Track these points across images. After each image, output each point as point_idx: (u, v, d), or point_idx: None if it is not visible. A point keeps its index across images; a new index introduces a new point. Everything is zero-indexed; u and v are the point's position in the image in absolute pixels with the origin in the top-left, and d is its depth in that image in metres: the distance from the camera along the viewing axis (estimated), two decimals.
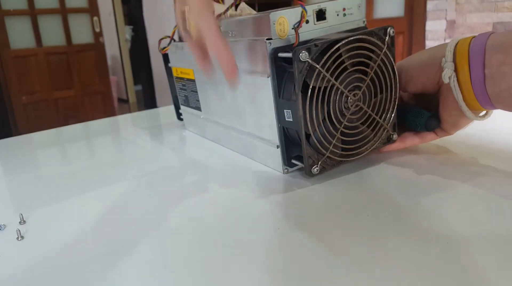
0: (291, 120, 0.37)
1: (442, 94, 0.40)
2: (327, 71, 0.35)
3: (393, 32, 0.38)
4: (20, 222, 0.35)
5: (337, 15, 0.39)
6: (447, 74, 0.37)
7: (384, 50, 0.38)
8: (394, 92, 0.40)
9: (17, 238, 0.32)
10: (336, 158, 0.38)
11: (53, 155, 0.59)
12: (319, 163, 0.37)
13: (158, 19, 4.73)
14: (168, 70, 0.61)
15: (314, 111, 0.35)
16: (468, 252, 0.26)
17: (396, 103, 0.41)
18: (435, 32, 2.34)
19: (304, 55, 0.33)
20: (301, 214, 0.33)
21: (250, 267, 0.26)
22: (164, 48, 0.57)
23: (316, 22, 0.38)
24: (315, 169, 0.37)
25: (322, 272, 0.25)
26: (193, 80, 0.54)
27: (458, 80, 0.37)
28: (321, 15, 0.38)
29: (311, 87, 0.34)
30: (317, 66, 0.34)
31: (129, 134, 0.69)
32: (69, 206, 0.38)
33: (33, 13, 3.27)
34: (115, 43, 5.63)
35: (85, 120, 0.80)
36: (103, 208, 0.37)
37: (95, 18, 3.62)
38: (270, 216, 0.33)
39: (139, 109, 5.25)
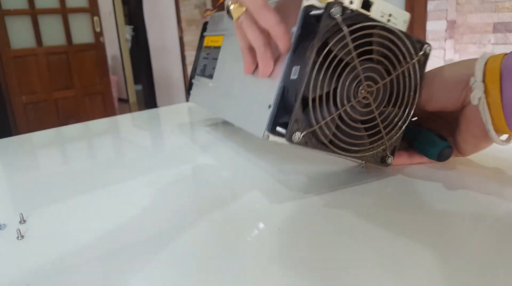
0: (296, 77, 0.34)
1: (465, 114, 0.37)
2: (352, 42, 0.33)
3: (429, 50, 0.37)
4: (20, 222, 0.35)
5: (382, 16, 0.37)
6: (477, 95, 0.34)
7: (414, 61, 0.36)
8: (408, 111, 0.38)
9: (17, 238, 0.32)
10: (323, 139, 0.35)
11: (53, 155, 0.59)
12: (303, 133, 0.34)
13: (159, 19, 4.73)
14: (200, 42, 0.62)
15: (321, 75, 0.33)
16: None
17: (405, 125, 0.38)
18: (436, 32, 2.34)
19: (336, 11, 0.32)
20: (305, 219, 0.33)
21: (254, 269, 0.26)
22: (207, 13, 0.58)
23: (359, 9, 0.36)
24: (296, 136, 0.34)
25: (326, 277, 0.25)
26: (219, 47, 0.54)
27: (487, 102, 0.34)
28: (367, 4, 0.36)
29: (328, 47, 0.32)
30: (345, 27, 0.32)
31: (130, 134, 0.69)
32: (69, 206, 0.38)
33: (33, 12, 3.27)
34: (115, 43, 5.63)
35: (85, 120, 0.80)
36: (104, 208, 0.37)
37: (96, 18, 3.62)
38: (275, 221, 0.33)
39: (140, 109, 5.25)
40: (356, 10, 0.34)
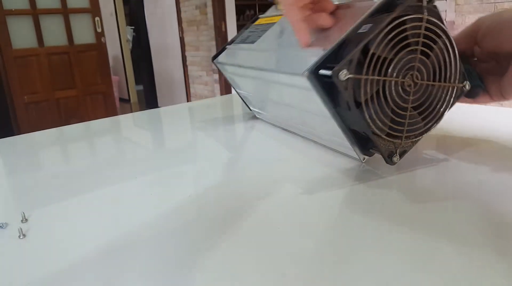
0: (365, 30, 0.36)
1: None
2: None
3: (468, 87, 0.39)
4: (22, 221, 0.35)
5: None
6: None
7: (455, 86, 0.38)
8: (427, 128, 0.40)
9: (19, 237, 0.32)
10: (361, 94, 0.36)
11: (54, 154, 0.59)
12: (350, 75, 0.35)
13: (160, 20, 4.73)
14: (250, 23, 0.64)
15: (387, 40, 0.35)
16: None
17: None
18: None
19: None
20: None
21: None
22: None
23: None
24: (343, 74, 0.35)
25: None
26: (273, 23, 0.56)
27: None
28: None
29: (404, 19, 0.35)
30: (426, 12, 0.36)
31: (131, 134, 0.69)
32: (70, 205, 0.39)
33: (34, 13, 3.27)
34: (116, 43, 5.64)
35: (87, 120, 0.80)
36: (105, 208, 0.37)
37: (97, 19, 3.62)
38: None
39: (141, 109, 5.25)
40: (438, 10, 0.37)
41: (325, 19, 0.40)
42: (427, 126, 0.40)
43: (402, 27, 0.35)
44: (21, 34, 3.27)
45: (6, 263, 0.29)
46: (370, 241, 0.28)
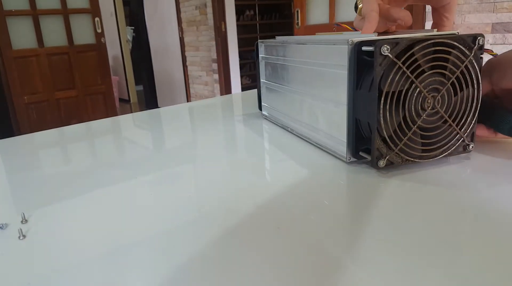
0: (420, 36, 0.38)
1: None
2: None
3: (482, 41, 0.39)
4: (21, 221, 0.35)
5: None
6: None
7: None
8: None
9: (19, 237, 0.32)
10: (387, 80, 0.37)
11: (55, 155, 0.59)
12: (389, 57, 0.36)
13: (159, 20, 4.74)
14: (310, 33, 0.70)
15: (432, 51, 0.37)
16: None
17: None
18: None
19: (481, 40, 0.38)
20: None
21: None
22: (339, 25, 0.66)
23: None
24: (385, 48, 0.36)
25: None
26: (324, 35, 0.59)
27: None
28: None
29: (454, 43, 0.37)
30: (473, 56, 0.38)
31: (131, 134, 0.69)
32: (70, 206, 0.39)
33: (34, 13, 3.28)
34: (116, 43, 5.64)
35: (87, 120, 0.81)
36: (105, 208, 0.37)
37: (97, 19, 3.63)
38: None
39: (140, 109, 5.26)
40: (482, 63, 0.39)
41: (406, 14, 0.42)
42: (422, 155, 0.40)
43: (448, 49, 0.37)
44: (21, 35, 3.28)
45: (6, 263, 0.29)
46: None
